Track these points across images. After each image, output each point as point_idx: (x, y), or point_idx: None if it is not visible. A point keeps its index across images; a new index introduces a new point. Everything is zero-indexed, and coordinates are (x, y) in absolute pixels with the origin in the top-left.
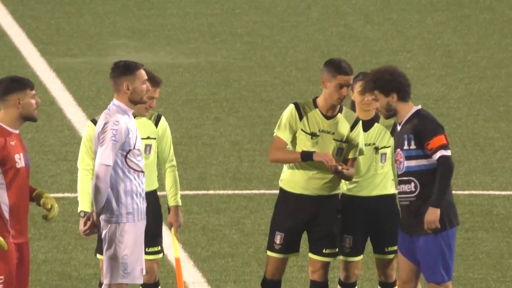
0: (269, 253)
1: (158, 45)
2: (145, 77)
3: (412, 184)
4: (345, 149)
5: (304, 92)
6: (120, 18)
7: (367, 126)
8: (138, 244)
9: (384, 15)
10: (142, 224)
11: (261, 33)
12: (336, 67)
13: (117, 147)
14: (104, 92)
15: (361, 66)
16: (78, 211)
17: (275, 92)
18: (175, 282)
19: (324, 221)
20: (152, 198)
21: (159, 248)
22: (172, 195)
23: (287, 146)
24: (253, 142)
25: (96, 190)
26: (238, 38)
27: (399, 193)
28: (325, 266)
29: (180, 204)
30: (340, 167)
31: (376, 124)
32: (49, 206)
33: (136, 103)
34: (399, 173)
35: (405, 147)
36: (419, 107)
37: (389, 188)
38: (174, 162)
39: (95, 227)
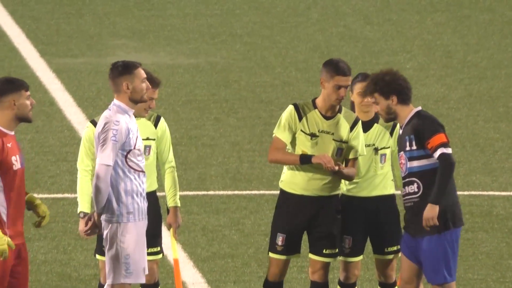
0: (271, 254)
1: (158, 46)
2: (144, 75)
3: (415, 185)
4: (345, 149)
5: (304, 92)
6: (120, 18)
7: (366, 127)
8: (140, 244)
9: (384, 15)
10: (143, 224)
11: (261, 34)
12: (334, 67)
13: (118, 147)
14: (104, 93)
15: (361, 66)
16: (78, 211)
17: (275, 93)
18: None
19: (324, 221)
20: (152, 199)
21: (159, 248)
22: (171, 196)
23: (287, 147)
24: (253, 143)
25: (97, 190)
26: (238, 39)
27: (404, 195)
28: (325, 266)
29: (179, 205)
30: (337, 167)
31: (375, 124)
32: (43, 215)
33: (137, 102)
34: (402, 175)
35: (407, 148)
36: (419, 108)
37: (389, 188)
38: (173, 163)
39: (96, 227)
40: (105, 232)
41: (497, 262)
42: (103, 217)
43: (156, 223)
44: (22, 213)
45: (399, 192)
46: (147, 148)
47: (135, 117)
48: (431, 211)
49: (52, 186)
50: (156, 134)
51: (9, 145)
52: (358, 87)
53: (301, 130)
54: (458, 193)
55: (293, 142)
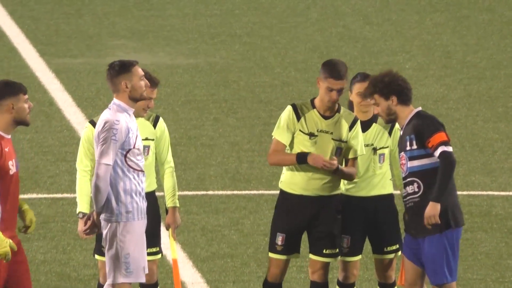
0: (271, 254)
1: (157, 46)
2: (142, 73)
3: (415, 185)
4: (345, 149)
5: (303, 92)
6: (119, 18)
7: (365, 126)
8: (139, 243)
9: (383, 15)
10: (142, 223)
11: (260, 34)
12: (328, 69)
13: (117, 146)
14: (103, 93)
15: (360, 66)
16: (77, 212)
17: (274, 93)
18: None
19: (325, 221)
20: (151, 199)
21: (158, 249)
22: (170, 196)
23: (286, 148)
24: (252, 143)
25: (96, 189)
26: (237, 39)
27: (404, 196)
28: (325, 266)
29: (178, 205)
30: (328, 164)
31: (374, 124)
32: (29, 224)
33: (137, 100)
34: (403, 175)
35: (408, 148)
36: (419, 108)
37: (387, 188)
38: (172, 164)
39: (95, 227)
40: (104, 232)
41: (496, 262)
42: (102, 216)
43: (155, 223)
44: (15, 216)
45: (397, 191)
46: (146, 148)
47: (134, 117)
48: (432, 209)
49: (51, 186)
50: (155, 134)
51: (6, 149)
52: (357, 87)
53: (300, 130)
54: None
55: (293, 142)
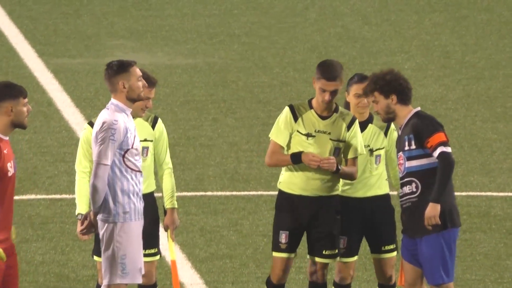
0: (275, 254)
1: (155, 46)
2: (140, 73)
3: (413, 185)
4: (343, 149)
5: (302, 93)
6: (117, 18)
7: (361, 128)
8: (136, 244)
9: (382, 16)
10: (139, 224)
11: (259, 34)
12: (321, 70)
13: (116, 147)
14: (102, 93)
15: (359, 67)
16: (76, 213)
17: (273, 93)
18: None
19: (324, 222)
20: (150, 200)
21: (156, 250)
22: (168, 198)
23: (284, 149)
24: (251, 143)
25: (94, 189)
26: (236, 39)
27: (401, 196)
28: (325, 267)
29: (176, 206)
30: (326, 162)
31: (370, 125)
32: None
33: (134, 101)
34: (400, 176)
35: (406, 148)
36: (418, 109)
37: (383, 188)
38: (171, 165)
39: (92, 227)
40: (101, 232)
41: (495, 262)
42: (99, 216)
43: (154, 224)
44: (11, 218)
45: (394, 192)
46: (145, 149)
47: (132, 117)
48: (433, 210)
49: (50, 187)
50: (153, 135)
51: (5, 151)
52: (354, 88)
53: (298, 131)
54: (456, 193)
55: (290, 143)
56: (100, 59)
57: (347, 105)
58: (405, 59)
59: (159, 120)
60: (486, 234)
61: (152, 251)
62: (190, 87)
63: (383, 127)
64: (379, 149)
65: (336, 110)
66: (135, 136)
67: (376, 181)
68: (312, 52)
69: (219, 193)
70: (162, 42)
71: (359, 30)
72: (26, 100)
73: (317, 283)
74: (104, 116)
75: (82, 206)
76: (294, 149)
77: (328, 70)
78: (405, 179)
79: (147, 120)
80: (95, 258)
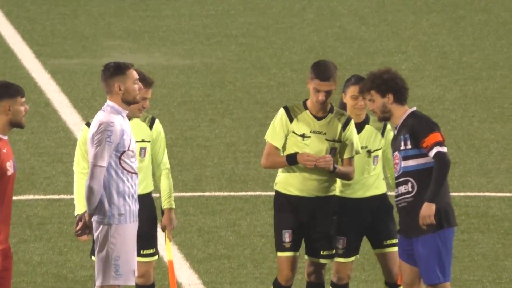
0: (280, 254)
1: (153, 47)
2: (136, 76)
3: (409, 184)
4: (339, 149)
5: (300, 93)
6: (115, 19)
7: (358, 129)
8: (130, 246)
9: (379, 16)
10: (134, 226)
11: (256, 35)
12: (315, 70)
13: (112, 148)
14: (99, 94)
15: (356, 67)
16: (75, 214)
17: (270, 94)
18: None
19: (322, 222)
20: (147, 201)
21: (154, 250)
22: (165, 198)
23: (279, 151)
24: (249, 144)
25: (89, 191)
26: (233, 40)
27: (397, 195)
28: (322, 267)
29: (173, 206)
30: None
31: (367, 126)
32: None
33: (130, 103)
34: (395, 175)
35: (402, 147)
36: (414, 109)
37: (381, 188)
38: (168, 165)
39: (86, 228)
40: (96, 233)
41: (493, 263)
42: (94, 218)
43: (151, 225)
44: (10, 218)
45: (393, 192)
46: (143, 150)
47: (130, 117)
48: (428, 210)
49: (47, 187)
50: (151, 136)
51: (4, 150)
52: (351, 90)
53: (293, 132)
54: (454, 194)
55: (286, 145)
56: (97, 59)
57: (343, 106)
58: (402, 59)
59: (157, 121)
60: (484, 234)
61: (150, 251)
62: (187, 88)
63: (380, 128)
64: (376, 150)
65: (331, 110)
66: (131, 138)
67: (374, 181)
68: (309, 52)
69: (217, 193)
70: (159, 42)
71: (356, 31)
72: (23, 99)
73: (315, 284)
74: (100, 117)
75: (81, 207)
76: (290, 150)
77: (322, 71)
78: (401, 179)
79: (144, 121)
80: (93, 258)
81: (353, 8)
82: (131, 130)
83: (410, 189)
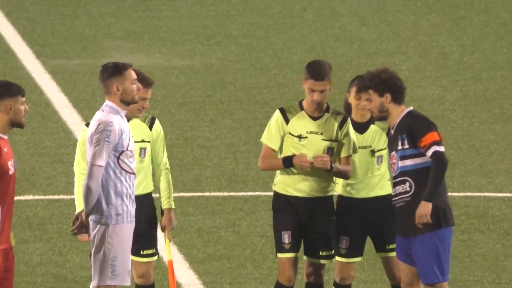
0: (280, 255)
1: (153, 47)
2: (135, 76)
3: (407, 184)
4: (336, 148)
5: (300, 94)
6: (115, 20)
7: (362, 128)
8: (127, 246)
9: (379, 17)
10: (131, 226)
11: (256, 35)
12: (309, 70)
13: (110, 148)
14: (100, 94)
15: (356, 68)
16: (76, 214)
17: (270, 94)
18: None
19: (320, 223)
20: (147, 201)
21: (154, 250)
22: (165, 198)
23: (276, 152)
24: (249, 144)
25: (88, 190)
26: (233, 40)
27: (394, 195)
28: (321, 268)
29: (173, 206)
30: (320, 160)
31: (371, 126)
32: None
33: (128, 104)
34: (393, 175)
35: (399, 147)
36: (411, 108)
37: (386, 188)
38: (168, 165)
39: (83, 227)
40: (92, 233)
41: (493, 263)
42: (91, 217)
43: (151, 225)
44: (11, 217)
45: None
46: (142, 150)
47: (129, 118)
48: (424, 209)
49: (47, 188)
50: (151, 136)
51: (5, 149)
52: (355, 90)
53: (289, 133)
54: (454, 194)
55: (283, 146)
56: (97, 60)
57: (348, 106)
58: (403, 60)
59: (157, 121)
60: (484, 235)
61: (150, 251)
62: (188, 88)
63: (384, 128)
64: (381, 149)
65: (327, 110)
66: (130, 138)
67: (378, 181)
68: (309, 53)
69: (217, 193)
70: (160, 43)
71: (357, 31)
72: (23, 99)
73: (314, 284)
74: (99, 117)
75: (81, 207)
76: (287, 151)
77: (316, 71)
78: (399, 179)
79: (144, 121)
80: None
81: (353, 9)
82: (131, 130)
83: (408, 189)
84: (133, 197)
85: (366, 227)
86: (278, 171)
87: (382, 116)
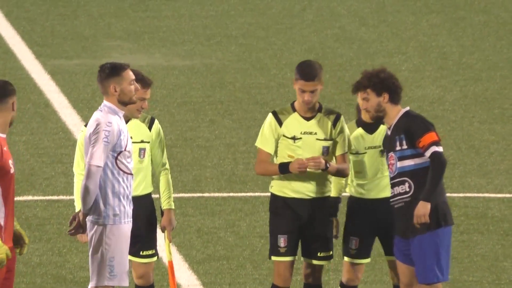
0: (274, 258)
1: (153, 47)
2: (132, 77)
3: (406, 184)
4: (331, 147)
5: None
6: (115, 20)
7: (372, 129)
8: (124, 247)
9: (379, 17)
10: (128, 227)
11: (256, 35)
12: (299, 71)
13: (109, 148)
14: (99, 94)
15: (356, 68)
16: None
17: (270, 94)
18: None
19: (318, 224)
20: (147, 201)
21: (154, 251)
22: (165, 198)
23: (272, 156)
24: (248, 145)
25: (85, 190)
26: (233, 40)
27: (392, 196)
28: (320, 269)
29: (173, 207)
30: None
31: (381, 126)
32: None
33: (126, 104)
34: (391, 176)
35: (397, 148)
36: (408, 108)
37: None
38: (168, 166)
39: (80, 227)
40: (90, 234)
41: (492, 264)
42: (89, 218)
43: (151, 226)
44: (13, 216)
45: None
46: (142, 150)
47: (129, 118)
48: (423, 208)
49: (47, 188)
50: (150, 136)
51: (5, 148)
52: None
53: (284, 135)
54: (453, 194)
55: (278, 149)
56: (97, 60)
57: (359, 108)
58: (402, 60)
59: (156, 121)
60: (483, 235)
61: (149, 252)
62: (187, 89)
63: None
64: None
65: (319, 109)
66: (128, 138)
67: (388, 182)
68: (309, 53)
69: (216, 194)
70: (159, 43)
71: (356, 31)
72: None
73: (312, 286)
74: (97, 117)
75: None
76: (283, 153)
77: (306, 71)
78: (397, 179)
79: (143, 122)
80: None
81: (353, 9)
82: (130, 131)
83: (408, 189)
84: (130, 197)
85: (376, 228)
86: None
87: (378, 116)
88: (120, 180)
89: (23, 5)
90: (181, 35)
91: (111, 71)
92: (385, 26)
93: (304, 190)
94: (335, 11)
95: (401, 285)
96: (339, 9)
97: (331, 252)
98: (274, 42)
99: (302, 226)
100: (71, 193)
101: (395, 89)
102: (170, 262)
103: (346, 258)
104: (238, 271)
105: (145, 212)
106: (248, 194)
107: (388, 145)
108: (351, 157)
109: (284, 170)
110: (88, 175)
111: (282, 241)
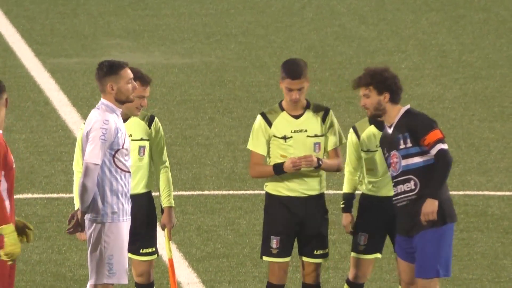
0: (266, 258)
1: (152, 46)
2: (130, 76)
3: (412, 182)
4: (323, 143)
5: None
6: (114, 18)
7: (381, 126)
8: (123, 244)
9: (379, 15)
10: (127, 225)
11: (256, 33)
12: (284, 69)
13: (106, 146)
14: (99, 93)
15: (356, 66)
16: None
17: (270, 92)
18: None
19: (314, 222)
20: (146, 199)
21: (153, 249)
22: (165, 196)
23: (265, 157)
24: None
25: (83, 189)
26: (232, 38)
27: (396, 194)
28: (318, 267)
29: (173, 205)
30: (304, 160)
31: None
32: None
33: (123, 103)
34: (394, 174)
35: (401, 146)
36: (408, 106)
37: None
38: (167, 163)
39: (79, 226)
40: (88, 232)
41: (492, 262)
42: (87, 216)
43: (151, 224)
44: (14, 212)
45: None
46: (142, 148)
47: (128, 116)
48: (431, 206)
49: (46, 186)
50: (150, 134)
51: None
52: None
53: (274, 136)
54: (453, 192)
55: (270, 150)
56: (96, 58)
57: None
58: (402, 58)
59: (156, 119)
60: (483, 233)
61: (149, 250)
62: (187, 87)
63: None
64: None
65: (308, 106)
66: (125, 136)
67: None
68: (309, 51)
69: (216, 192)
70: (159, 41)
71: (356, 30)
72: None
73: (311, 285)
74: (95, 115)
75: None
76: (275, 153)
77: (292, 69)
78: (401, 178)
79: (143, 119)
80: None
81: (353, 7)
82: (130, 129)
83: (413, 187)
84: (128, 195)
85: (386, 225)
86: None
87: (377, 114)
88: (118, 178)
89: (22, 3)
90: (180, 33)
91: (109, 70)
92: (384, 24)
93: (299, 188)
94: (334, 9)
95: (402, 283)
96: (339, 7)
97: (327, 250)
98: (274, 40)
99: (298, 224)
100: (71, 191)
101: (396, 89)
102: (170, 260)
103: (353, 254)
104: (238, 269)
105: (145, 210)
106: (248, 192)
107: (388, 144)
108: (362, 154)
109: (279, 171)
110: (86, 173)
111: (274, 242)
